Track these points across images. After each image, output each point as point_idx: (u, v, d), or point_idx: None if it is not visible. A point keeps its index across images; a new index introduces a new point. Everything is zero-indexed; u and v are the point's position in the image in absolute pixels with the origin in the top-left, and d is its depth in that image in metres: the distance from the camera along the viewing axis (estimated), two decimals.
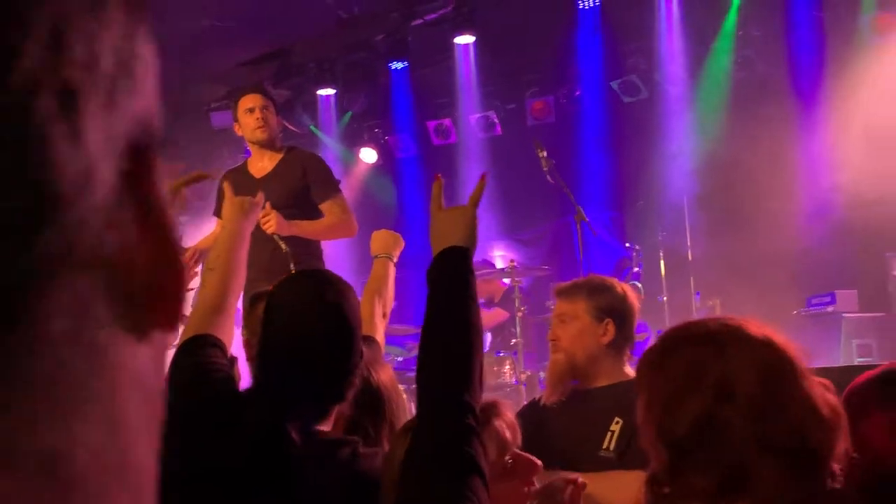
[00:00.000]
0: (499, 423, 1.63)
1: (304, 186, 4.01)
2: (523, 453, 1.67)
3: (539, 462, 1.68)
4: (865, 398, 1.50)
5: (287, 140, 4.39)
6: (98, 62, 0.34)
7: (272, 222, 3.69)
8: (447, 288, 1.54)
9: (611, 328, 2.58)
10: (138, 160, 0.36)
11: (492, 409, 1.65)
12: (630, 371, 2.65)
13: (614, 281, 2.74)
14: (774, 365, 1.28)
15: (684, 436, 1.26)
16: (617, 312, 2.61)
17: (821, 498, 1.25)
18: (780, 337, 1.33)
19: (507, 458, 1.62)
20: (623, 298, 2.63)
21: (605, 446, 2.45)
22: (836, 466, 1.25)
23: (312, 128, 8.30)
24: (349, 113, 8.37)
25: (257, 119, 4.06)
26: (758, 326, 1.33)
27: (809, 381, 1.29)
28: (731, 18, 6.74)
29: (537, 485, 1.65)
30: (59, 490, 0.32)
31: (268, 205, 3.79)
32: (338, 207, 4.01)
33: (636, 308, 2.68)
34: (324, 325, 1.62)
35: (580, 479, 1.43)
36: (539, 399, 2.73)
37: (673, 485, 1.28)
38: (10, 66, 0.31)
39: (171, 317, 0.37)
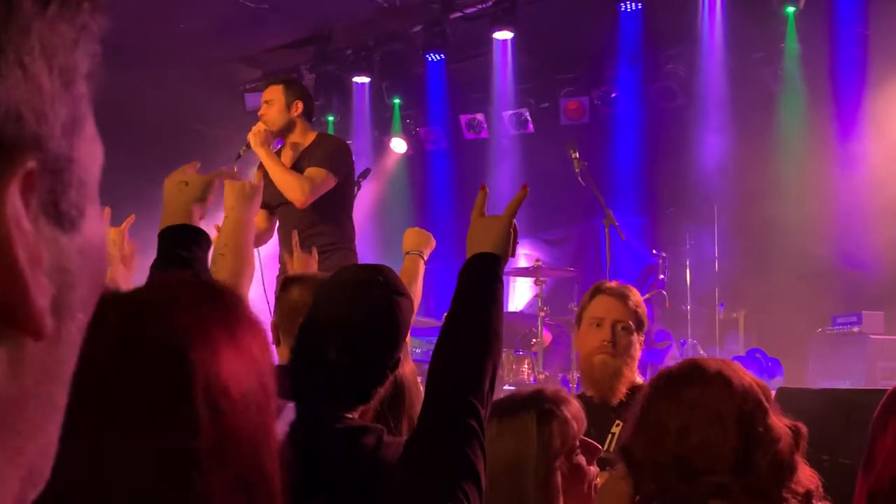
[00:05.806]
0: (566, 413, 1.70)
1: None
2: (587, 440, 1.73)
3: (600, 447, 1.76)
4: (884, 414, 1.53)
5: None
6: None
7: (255, 135, 3.83)
8: (472, 291, 1.56)
9: (641, 339, 2.62)
10: None
11: (559, 399, 1.71)
12: (630, 374, 2.66)
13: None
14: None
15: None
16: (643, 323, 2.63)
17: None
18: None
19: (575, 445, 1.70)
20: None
21: (605, 448, 2.51)
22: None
23: (330, 119, 8.15)
24: (398, 101, 8.33)
25: (260, 116, 3.97)
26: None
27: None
28: (781, 30, 6.65)
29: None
30: None
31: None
32: (310, 174, 3.81)
33: None
34: (371, 318, 1.62)
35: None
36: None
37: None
38: None
39: (15, 320, 0.36)
